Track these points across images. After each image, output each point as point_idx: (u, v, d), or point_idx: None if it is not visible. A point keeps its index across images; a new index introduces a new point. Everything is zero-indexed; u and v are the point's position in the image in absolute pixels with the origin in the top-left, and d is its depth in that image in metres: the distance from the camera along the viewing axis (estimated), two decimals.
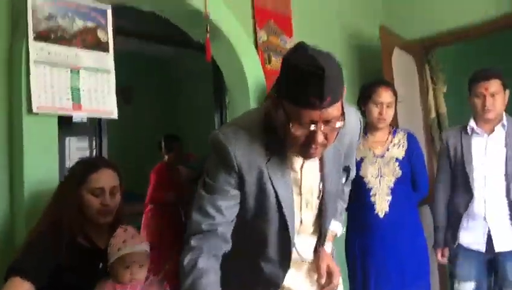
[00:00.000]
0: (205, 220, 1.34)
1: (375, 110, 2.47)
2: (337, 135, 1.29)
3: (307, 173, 1.44)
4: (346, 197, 1.77)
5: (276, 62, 3.05)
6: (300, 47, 1.23)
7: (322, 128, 1.23)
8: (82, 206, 1.75)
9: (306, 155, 1.32)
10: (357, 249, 2.48)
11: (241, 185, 1.36)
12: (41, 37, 2.00)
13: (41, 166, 2.00)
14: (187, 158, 4.81)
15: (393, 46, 3.31)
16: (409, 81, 3.46)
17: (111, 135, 4.16)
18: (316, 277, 1.57)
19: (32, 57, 1.97)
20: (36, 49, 1.98)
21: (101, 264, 1.71)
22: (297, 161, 1.42)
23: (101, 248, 1.77)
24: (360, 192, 2.42)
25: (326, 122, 1.22)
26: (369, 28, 3.57)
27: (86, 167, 1.82)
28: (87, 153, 4.75)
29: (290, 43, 3.14)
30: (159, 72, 5.40)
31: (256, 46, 2.94)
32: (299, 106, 1.20)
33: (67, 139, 3.31)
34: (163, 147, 4.24)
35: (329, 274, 1.53)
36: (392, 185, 2.46)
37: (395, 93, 2.53)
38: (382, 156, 2.50)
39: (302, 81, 1.17)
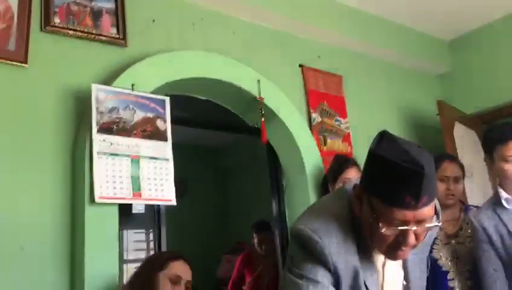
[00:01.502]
0: None
1: (441, 186, 2.32)
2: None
3: (389, 271, 1.32)
4: None
5: (332, 143, 3.01)
6: (387, 138, 1.16)
7: (413, 229, 1.13)
8: None
9: (393, 257, 1.21)
10: None
11: (336, 285, 1.23)
12: (104, 129, 2.06)
13: (103, 259, 1.97)
14: (242, 247, 4.70)
15: (453, 120, 3.21)
16: (474, 155, 3.30)
17: (167, 228, 4.18)
18: None
19: (95, 148, 2.02)
20: (99, 140, 2.03)
21: None
22: (380, 259, 1.29)
23: None
24: (436, 277, 2.21)
25: (419, 222, 1.13)
26: (425, 104, 3.51)
27: (167, 255, 1.84)
28: (144, 245, 4.75)
29: (344, 124, 3.11)
30: (213, 161, 5.47)
31: (311, 129, 2.92)
32: (392, 206, 1.11)
33: (125, 231, 3.31)
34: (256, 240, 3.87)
35: None
36: (470, 267, 2.23)
37: (461, 167, 2.39)
38: (456, 236, 2.30)
39: (399, 179, 1.09)
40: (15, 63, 2.02)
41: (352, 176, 2.39)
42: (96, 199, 1.97)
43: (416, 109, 3.55)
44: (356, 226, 1.23)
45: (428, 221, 1.14)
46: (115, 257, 2.02)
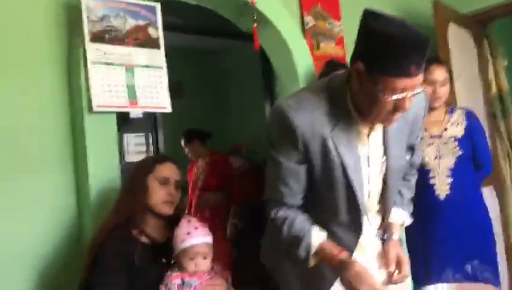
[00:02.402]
0: (279, 198, 1.41)
1: (429, 89, 2.39)
2: None
3: (374, 143, 1.45)
4: (413, 186, 1.73)
5: (325, 47, 3.01)
6: (375, 15, 1.24)
7: (410, 96, 1.25)
8: (148, 194, 1.82)
9: (387, 122, 1.35)
10: (418, 233, 2.42)
11: (306, 156, 1.38)
12: (97, 38, 2.08)
13: (104, 163, 2.09)
14: (239, 149, 4.85)
15: (448, 21, 3.18)
16: (467, 57, 3.32)
17: (166, 130, 4.28)
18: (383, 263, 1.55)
19: (90, 57, 2.05)
20: (93, 50, 2.05)
21: (163, 259, 1.80)
22: (364, 131, 1.42)
23: (160, 243, 1.85)
24: (419, 174, 2.36)
25: (414, 88, 1.25)
26: (421, 4, 3.44)
27: (153, 158, 1.98)
28: (144, 148, 4.92)
29: (338, 27, 3.08)
30: (207, 65, 5.46)
31: (304, 32, 2.91)
32: (397, 77, 1.21)
33: (125, 135, 3.43)
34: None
35: (399, 263, 1.51)
36: (452, 165, 2.37)
37: (448, 71, 2.44)
38: (440, 137, 2.42)
39: (405, 51, 1.19)
40: None
41: None
42: (94, 108, 2.04)
43: (411, 10, 3.49)
44: (334, 98, 1.36)
45: (419, 86, 1.27)
46: (115, 161, 2.14)
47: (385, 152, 1.46)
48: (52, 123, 2.10)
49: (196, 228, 1.71)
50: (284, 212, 1.41)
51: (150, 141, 4.93)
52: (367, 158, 1.44)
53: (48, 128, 2.09)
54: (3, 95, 1.99)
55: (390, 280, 1.51)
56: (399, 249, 1.55)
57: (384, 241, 1.57)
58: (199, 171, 4.12)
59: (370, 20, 1.24)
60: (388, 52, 1.20)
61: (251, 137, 4.82)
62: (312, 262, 1.39)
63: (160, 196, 1.82)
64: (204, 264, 1.70)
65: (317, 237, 1.38)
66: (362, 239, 1.51)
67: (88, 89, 2.04)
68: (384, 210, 1.55)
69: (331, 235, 1.45)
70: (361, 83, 1.29)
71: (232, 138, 5.11)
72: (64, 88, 2.13)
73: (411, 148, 1.57)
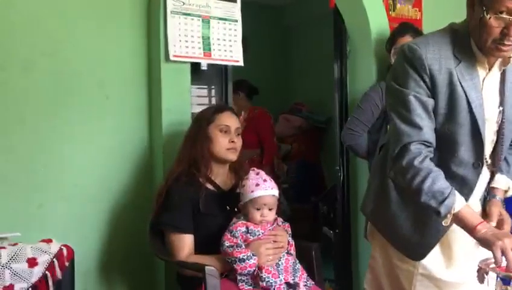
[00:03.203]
0: (417, 132, 1.39)
1: None
2: None
3: (488, 89, 1.45)
4: None
5: (401, 8, 2.91)
6: None
7: None
8: (211, 143, 1.90)
9: (497, 51, 1.36)
10: None
11: (432, 88, 1.40)
12: None
13: (177, 109, 2.18)
14: (299, 108, 4.85)
15: None
16: None
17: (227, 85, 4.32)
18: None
19: (169, 7, 2.10)
20: (172, 0, 2.10)
21: (228, 206, 1.87)
22: (482, 73, 1.44)
23: (225, 190, 1.93)
24: None
25: None
26: None
27: (213, 108, 2.02)
28: (207, 100, 5.00)
29: None
30: (274, 21, 5.39)
31: None
32: None
33: (193, 87, 3.51)
34: None
35: (500, 221, 1.48)
36: None
37: None
38: None
39: None
40: None
41: None
42: (171, 57, 2.11)
43: None
44: (458, 38, 1.42)
45: None
46: (187, 108, 2.23)
47: (501, 103, 1.46)
48: (130, 70, 2.21)
49: (265, 180, 1.77)
50: (428, 163, 1.38)
51: (213, 93, 5.01)
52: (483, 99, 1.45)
53: (127, 74, 2.20)
54: (89, 40, 2.11)
55: None
56: (501, 208, 1.53)
57: (485, 200, 1.56)
58: None
59: None
60: None
61: (315, 98, 4.80)
62: (447, 221, 1.36)
63: (223, 144, 1.89)
64: (270, 215, 1.76)
65: (460, 201, 1.36)
66: (482, 179, 1.50)
67: (166, 39, 2.11)
68: (492, 165, 1.53)
69: (451, 176, 1.44)
70: (473, 10, 1.36)
71: (296, 96, 5.10)
72: (144, 36, 2.21)
73: None
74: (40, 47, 2.02)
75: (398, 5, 2.90)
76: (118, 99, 2.18)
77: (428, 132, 1.40)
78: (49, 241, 1.70)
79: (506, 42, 1.32)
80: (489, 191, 1.56)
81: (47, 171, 2.03)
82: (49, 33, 2.04)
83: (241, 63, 2.32)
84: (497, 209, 1.51)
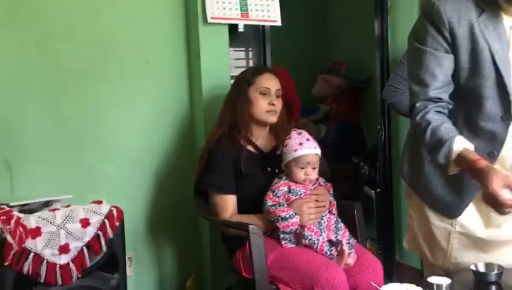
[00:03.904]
0: (424, 90, 1.38)
1: None
2: None
3: None
4: None
5: None
6: None
7: None
8: (251, 105, 1.90)
9: None
10: None
11: (452, 42, 1.37)
12: None
13: (215, 72, 2.21)
14: (339, 67, 4.76)
15: None
16: None
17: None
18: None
19: None
20: None
21: (269, 168, 1.89)
22: (508, 21, 1.38)
23: (266, 152, 1.94)
24: None
25: None
26: None
27: (253, 70, 2.01)
28: (244, 63, 4.98)
29: None
30: None
31: None
32: None
33: (231, 50, 3.49)
34: None
35: None
36: None
37: None
38: None
39: None
40: None
41: None
42: (209, 19, 2.11)
43: None
44: None
45: None
46: (226, 71, 2.25)
47: None
48: (169, 33, 2.23)
49: (308, 140, 1.78)
50: (430, 115, 1.37)
51: (250, 56, 4.98)
52: (509, 48, 1.39)
53: (165, 38, 2.23)
54: (127, 5, 2.14)
55: None
56: None
57: None
58: None
59: None
60: None
61: (354, 56, 4.69)
62: (451, 170, 1.35)
63: (263, 106, 1.89)
64: (314, 173, 1.78)
65: (460, 144, 1.32)
66: (506, 147, 1.43)
67: (203, 1, 2.11)
68: None
69: (479, 132, 1.42)
70: None
71: (335, 55, 5.00)
72: (181, 0, 2.22)
73: None
74: (81, 15, 2.06)
75: None
76: (157, 63, 2.21)
77: (438, 87, 1.37)
78: (99, 202, 1.77)
79: None
80: None
81: (95, 135, 2.11)
82: (90, 1, 2.08)
83: (279, 23, 2.30)
84: None
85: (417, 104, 1.39)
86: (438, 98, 1.38)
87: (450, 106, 1.42)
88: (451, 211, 1.47)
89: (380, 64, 2.93)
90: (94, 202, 1.76)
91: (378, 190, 2.91)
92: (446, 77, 1.39)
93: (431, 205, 1.53)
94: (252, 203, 1.82)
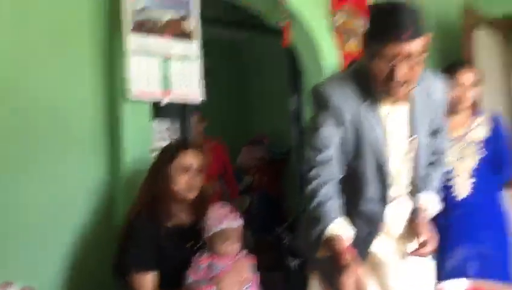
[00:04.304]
0: (317, 154, 1.47)
1: (457, 92, 2.44)
2: (422, 81, 1.46)
3: (394, 122, 1.54)
4: (440, 173, 1.77)
5: (353, 45, 3.06)
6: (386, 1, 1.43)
7: (403, 63, 1.37)
8: (171, 182, 1.91)
9: (390, 91, 1.45)
10: (438, 229, 2.47)
11: (341, 123, 1.49)
12: (136, 29, 2.17)
13: (137, 148, 2.21)
14: (261, 140, 4.93)
15: (476, 24, 3.20)
16: (491, 61, 3.35)
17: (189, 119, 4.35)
18: (404, 244, 1.62)
19: (129, 47, 2.14)
20: (132, 40, 2.15)
21: (189, 243, 1.90)
22: (385, 109, 1.53)
23: (186, 227, 1.95)
24: None
25: (408, 56, 1.36)
26: (450, 7, 3.47)
27: (176, 146, 2.03)
28: (171, 135, 5.00)
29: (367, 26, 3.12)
30: (233, 56, 5.53)
31: (333, 30, 2.97)
32: (383, 42, 1.36)
33: (153, 122, 3.52)
34: None
35: (424, 242, 1.56)
36: (473, 167, 2.43)
37: (478, 75, 2.49)
38: (463, 138, 2.47)
39: (384, 19, 1.37)
40: None
41: None
42: (131, 96, 2.15)
43: (442, 11, 3.52)
44: (361, 80, 1.50)
45: (415, 56, 1.38)
46: (148, 146, 2.26)
47: (413, 131, 1.56)
48: (91, 108, 2.22)
49: (230, 212, 1.82)
50: (321, 187, 1.43)
51: (173, 128, 5.04)
52: (389, 135, 1.54)
53: (87, 113, 2.21)
54: (46, 80, 2.12)
55: (417, 251, 1.56)
56: (427, 228, 1.60)
57: (411, 220, 1.63)
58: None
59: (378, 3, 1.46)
60: (373, 22, 1.41)
61: (274, 130, 4.90)
62: (320, 251, 1.40)
63: (182, 183, 1.91)
64: (236, 247, 1.80)
65: (336, 228, 1.37)
66: (389, 215, 1.57)
67: (126, 78, 2.15)
68: (413, 191, 1.62)
69: (359, 212, 1.52)
70: (365, 54, 1.47)
71: (256, 129, 5.19)
72: (104, 74, 2.24)
73: (436, 132, 1.65)
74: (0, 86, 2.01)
75: (350, 42, 3.06)
76: (79, 138, 2.18)
77: (330, 157, 1.47)
78: (8, 284, 1.66)
79: (395, 82, 1.40)
80: (414, 211, 1.64)
81: (7, 211, 1.99)
82: (9, 73, 2.03)
83: (199, 100, 2.38)
84: (426, 225, 1.59)
85: (311, 173, 1.46)
86: (330, 168, 1.47)
87: (340, 178, 1.51)
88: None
89: (296, 138, 3.10)
90: (4, 283, 1.65)
91: (299, 261, 2.97)
92: (336, 151, 1.50)
93: (321, 276, 1.61)
94: (173, 279, 1.79)
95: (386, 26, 1.36)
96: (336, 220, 1.39)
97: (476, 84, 2.47)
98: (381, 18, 1.38)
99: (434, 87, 1.58)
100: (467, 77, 2.44)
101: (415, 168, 1.59)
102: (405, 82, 1.41)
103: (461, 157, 2.44)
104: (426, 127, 1.59)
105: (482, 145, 2.43)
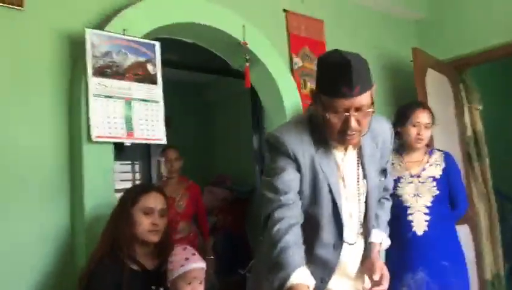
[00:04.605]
0: (279, 196, 1.47)
1: (413, 131, 2.55)
2: (370, 124, 1.47)
3: (348, 167, 1.59)
4: (388, 210, 1.85)
5: (312, 86, 3.17)
6: (333, 50, 1.45)
7: (354, 115, 1.41)
8: (134, 225, 1.90)
9: (343, 141, 1.49)
10: (396, 265, 2.53)
11: (298, 169, 1.51)
12: (99, 72, 2.19)
13: (99, 190, 2.17)
14: (223, 180, 4.95)
15: (427, 67, 3.38)
16: (443, 101, 3.52)
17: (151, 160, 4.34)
18: (359, 282, 1.66)
19: (91, 91, 2.15)
20: (95, 83, 2.16)
21: (153, 286, 1.87)
22: (339, 155, 1.58)
23: (150, 270, 1.92)
24: (397, 211, 2.49)
25: (358, 109, 1.41)
26: (401, 51, 3.66)
27: (138, 189, 2.03)
28: (130, 176, 4.95)
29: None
30: (195, 98, 5.59)
31: (292, 72, 3.08)
32: (333, 97, 1.40)
33: (117, 163, 3.48)
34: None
35: (381, 276, 1.60)
36: (429, 204, 2.52)
37: (432, 115, 2.62)
38: (419, 176, 2.57)
39: (333, 74, 1.39)
40: (12, 6, 2.10)
41: None
42: (93, 138, 2.14)
43: (392, 55, 3.71)
44: (314, 127, 1.53)
45: (366, 108, 1.42)
46: (111, 188, 2.22)
47: (364, 174, 1.60)
48: (51, 151, 2.19)
49: (194, 254, 1.81)
50: (284, 231, 1.42)
51: (137, 169, 5.00)
52: (342, 179, 1.59)
53: (47, 156, 2.18)
54: (5, 121, 2.09)
55: (372, 288, 1.59)
56: (382, 263, 1.64)
57: (365, 257, 1.67)
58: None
59: (326, 53, 1.47)
60: (323, 76, 1.43)
61: (237, 169, 4.93)
62: None
63: (145, 226, 1.90)
64: (200, 288, 1.78)
65: (298, 277, 1.37)
66: (343, 259, 1.61)
67: (88, 120, 2.14)
68: (365, 232, 1.67)
69: (314, 257, 1.55)
70: (316, 105, 1.50)
71: (219, 169, 5.20)
72: (65, 118, 2.23)
73: (384, 171, 1.71)
74: None
75: (309, 84, 3.17)
76: (37, 183, 2.13)
77: (292, 198, 1.48)
78: None
79: (348, 133, 1.45)
80: (368, 247, 1.69)
81: None
82: None
83: (163, 141, 2.39)
84: (379, 262, 1.63)
85: (274, 215, 1.46)
86: (294, 211, 1.48)
87: (301, 219, 1.52)
88: None
89: (259, 177, 3.14)
90: None
91: None
92: (296, 193, 1.52)
93: None
94: None
95: (336, 82, 1.37)
96: (299, 269, 1.39)
97: (431, 124, 2.60)
98: (331, 73, 1.39)
99: (380, 129, 1.64)
100: (422, 116, 2.56)
101: (367, 209, 1.64)
102: (357, 131, 1.46)
103: (418, 195, 2.53)
104: (375, 168, 1.65)
105: (436, 183, 2.53)
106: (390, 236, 2.53)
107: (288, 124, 1.63)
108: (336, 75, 1.38)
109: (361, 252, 1.68)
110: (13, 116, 2.11)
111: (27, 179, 2.11)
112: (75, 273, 2.08)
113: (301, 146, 1.51)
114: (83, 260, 2.06)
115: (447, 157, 2.63)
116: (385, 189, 1.82)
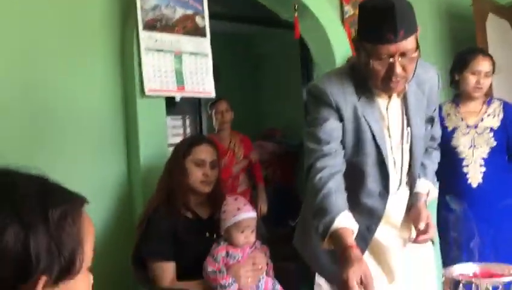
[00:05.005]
0: (322, 146, 1.47)
1: (472, 79, 2.43)
2: (415, 70, 1.43)
3: (393, 115, 1.56)
4: (435, 159, 1.79)
5: None
6: None
7: (399, 60, 1.37)
8: (187, 175, 1.97)
9: (388, 88, 1.45)
10: (450, 214, 2.49)
11: (341, 119, 1.50)
12: (149, 26, 2.22)
13: (154, 143, 2.26)
14: (273, 133, 4.96)
15: (488, 11, 3.18)
16: (505, 48, 3.32)
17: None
18: (404, 231, 1.65)
19: (143, 45, 2.19)
20: (145, 37, 2.20)
21: (207, 233, 1.95)
22: (383, 103, 1.54)
23: (204, 218, 1.99)
24: (452, 162, 2.43)
25: (403, 54, 1.36)
26: None
27: (190, 141, 2.09)
28: (186, 130, 5.06)
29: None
30: (244, 50, 5.55)
31: (343, 21, 2.98)
32: (376, 43, 1.35)
33: (168, 118, 3.56)
34: None
35: (426, 224, 1.58)
36: (486, 155, 2.43)
37: (493, 63, 2.48)
38: (476, 126, 2.47)
39: (376, 19, 1.34)
40: None
41: None
42: (146, 92, 2.20)
43: (451, 1, 3.51)
44: (356, 76, 1.50)
45: (411, 52, 1.38)
46: (164, 141, 2.31)
47: (408, 123, 1.57)
48: (106, 105, 2.27)
49: (245, 204, 1.87)
50: (326, 179, 1.43)
51: (188, 123, 5.10)
52: (387, 129, 1.56)
53: (103, 110, 2.27)
54: (63, 79, 2.17)
55: (417, 238, 1.58)
56: (428, 212, 1.62)
57: (411, 207, 1.64)
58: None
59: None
60: (365, 22, 1.38)
61: (286, 123, 4.92)
62: (325, 243, 1.40)
63: (197, 177, 1.97)
64: (252, 236, 1.85)
65: (342, 221, 1.37)
66: (388, 207, 1.59)
67: (141, 75, 2.19)
68: (411, 181, 1.64)
69: (361, 206, 1.54)
70: (358, 54, 1.46)
71: (267, 122, 5.21)
72: (118, 73, 2.29)
73: (430, 120, 1.67)
74: (13, 90, 2.05)
75: None
76: (95, 136, 2.23)
77: (334, 148, 1.47)
78: None
79: (393, 80, 1.40)
80: (414, 197, 1.66)
81: None
82: (23, 74, 2.08)
83: (213, 95, 2.42)
84: (425, 211, 1.60)
85: (316, 164, 1.46)
86: (336, 160, 1.48)
87: (344, 170, 1.51)
88: (336, 280, 1.48)
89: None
90: None
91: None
92: (339, 143, 1.50)
93: (319, 273, 1.64)
94: (191, 269, 1.84)
95: (379, 27, 1.33)
96: (342, 213, 1.40)
97: (491, 72, 2.47)
98: (374, 18, 1.35)
99: (426, 76, 1.58)
100: (483, 64, 2.43)
101: (412, 158, 1.60)
102: (402, 78, 1.42)
103: (474, 146, 2.45)
104: (421, 116, 1.60)
105: (493, 134, 2.43)
106: (444, 185, 2.51)
107: (330, 73, 1.61)
108: (378, 20, 1.33)
109: (406, 202, 1.66)
110: (71, 70, 2.19)
111: (86, 131, 2.22)
112: (133, 223, 2.20)
113: (343, 96, 1.49)
114: (140, 209, 2.17)
115: (506, 107, 2.50)
116: (432, 138, 1.77)
